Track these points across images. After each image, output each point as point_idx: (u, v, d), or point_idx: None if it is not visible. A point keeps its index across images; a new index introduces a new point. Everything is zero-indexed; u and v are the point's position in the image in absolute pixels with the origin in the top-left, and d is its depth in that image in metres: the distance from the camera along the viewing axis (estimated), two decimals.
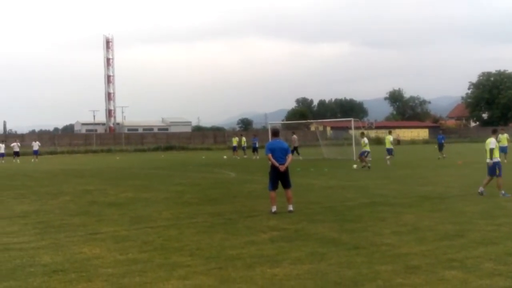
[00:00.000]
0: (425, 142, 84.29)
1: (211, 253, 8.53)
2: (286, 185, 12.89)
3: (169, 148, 74.01)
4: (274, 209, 12.54)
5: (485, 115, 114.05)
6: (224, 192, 17.51)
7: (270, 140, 14.23)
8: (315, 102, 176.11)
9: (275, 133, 13.81)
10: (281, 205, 12.79)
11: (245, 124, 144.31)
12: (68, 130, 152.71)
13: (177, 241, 9.52)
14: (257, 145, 44.06)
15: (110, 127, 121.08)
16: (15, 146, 47.89)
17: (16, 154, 47.32)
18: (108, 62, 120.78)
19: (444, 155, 35.69)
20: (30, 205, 15.03)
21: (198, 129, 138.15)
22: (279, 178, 12.84)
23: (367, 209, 12.96)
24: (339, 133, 79.66)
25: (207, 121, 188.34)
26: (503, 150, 29.46)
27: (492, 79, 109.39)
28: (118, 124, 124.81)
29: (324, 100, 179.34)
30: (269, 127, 47.95)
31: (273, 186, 12.81)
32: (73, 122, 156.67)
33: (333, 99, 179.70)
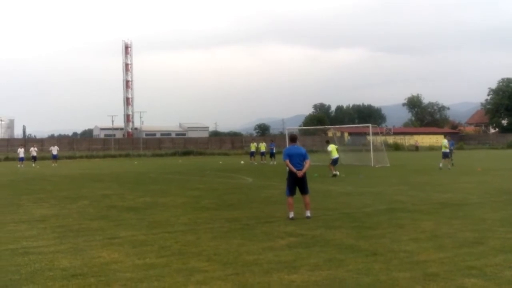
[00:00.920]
0: None
1: (228, 258, 8.53)
2: (304, 191, 12.86)
3: (186, 153, 74.36)
4: (291, 215, 12.52)
5: (504, 122, 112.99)
6: (241, 198, 17.52)
7: (287, 145, 14.19)
8: (333, 108, 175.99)
9: (293, 138, 13.76)
10: (298, 211, 12.77)
11: (262, 130, 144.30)
12: (87, 134, 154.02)
13: (195, 246, 9.54)
14: (274, 151, 44.07)
15: (128, 132, 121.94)
16: (33, 151, 48.42)
17: (34, 158, 47.82)
18: (127, 67, 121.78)
19: (451, 163, 35.03)
20: (49, 209, 15.17)
21: (215, 134, 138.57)
22: (297, 184, 12.81)
23: (385, 216, 12.89)
24: (356, 139, 79.27)
25: (224, 126, 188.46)
26: None
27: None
28: (136, 129, 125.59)
29: (342, 106, 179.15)
30: (286, 132, 47.92)
31: (291, 192, 12.79)
32: (91, 127, 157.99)
33: (350, 105, 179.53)
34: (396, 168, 34.15)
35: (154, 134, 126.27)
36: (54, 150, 49.73)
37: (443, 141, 34.61)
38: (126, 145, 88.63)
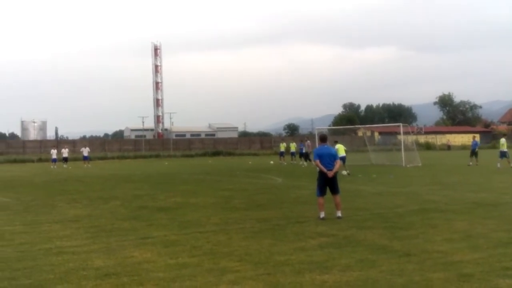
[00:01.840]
0: None
1: (259, 258, 8.54)
2: (335, 191, 12.79)
3: (216, 153, 74.65)
4: (322, 215, 12.47)
5: None
6: (272, 198, 17.51)
7: (317, 146, 14.15)
8: (362, 107, 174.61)
9: (323, 139, 13.70)
10: (329, 211, 12.72)
11: (291, 130, 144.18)
12: (118, 136, 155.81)
13: (226, 246, 9.57)
14: (304, 151, 43.90)
15: (158, 133, 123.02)
16: (64, 152, 49.13)
17: (65, 159, 48.52)
18: (156, 69, 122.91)
19: (476, 163, 34.66)
20: (82, 210, 15.38)
21: (244, 135, 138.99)
22: (327, 184, 12.75)
23: (418, 216, 12.74)
24: (387, 138, 78.72)
25: (254, 127, 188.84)
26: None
27: None
28: (166, 130, 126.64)
29: (372, 105, 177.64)
30: (315, 132, 47.75)
31: (321, 192, 12.74)
32: (122, 128, 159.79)
33: (380, 104, 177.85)
34: (428, 167, 33.73)
35: (184, 135, 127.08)
36: (85, 151, 50.35)
37: (501, 140, 33.99)
38: (157, 146, 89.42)
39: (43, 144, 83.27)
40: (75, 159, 54.81)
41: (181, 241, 10.19)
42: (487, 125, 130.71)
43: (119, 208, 15.72)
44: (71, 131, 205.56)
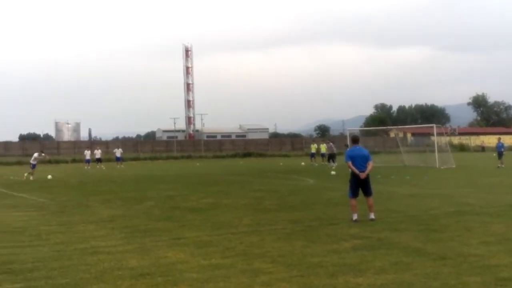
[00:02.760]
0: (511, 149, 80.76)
1: (292, 260, 8.52)
2: (367, 192, 12.69)
3: (247, 154, 74.83)
4: (355, 217, 12.38)
5: None
6: (303, 199, 17.46)
7: (349, 147, 14.05)
8: (394, 108, 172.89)
9: (355, 140, 13.61)
10: (361, 213, 12.62)
11: (322, 131, 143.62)
12: (150, 137, 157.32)
13: (259, 248, 9.57)
14: (335, 152, 43.65)
15: (189, 134, 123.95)
16: (97, 153, 49.79)
17: (99, 160, 49.16)
18: (188, 70, 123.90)
19: (502, 165, 34.10)
20: (116, 210, 15.57)
21: (275, 136, 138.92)
22: (360, 185, 12.66)
23: (453, 219, 12.55)
24: (420, 139, 77.69)
25: (284, 128, 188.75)
26: None
27: None
28: (197, 131, 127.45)
29: (404, 106, 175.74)
30: (347, 133, 47.44)
31: (354, 194, 12.65)
32: (154, 129, 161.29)
33: (413, 105, 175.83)
34: (462, 169, 33.23)
35: (215, 136, 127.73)
36: (118, 152, 50.96)
37: None
38: (188, 147, 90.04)
39: (77, 145, 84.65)
40: (108, 160, 55.48)
41: (214, 242, 10.24)
42: None
43: (152, 208, 15.87)
44: (104, 132, 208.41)
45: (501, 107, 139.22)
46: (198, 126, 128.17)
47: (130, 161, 61.52)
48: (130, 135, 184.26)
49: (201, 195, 19.47)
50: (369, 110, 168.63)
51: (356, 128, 73.08)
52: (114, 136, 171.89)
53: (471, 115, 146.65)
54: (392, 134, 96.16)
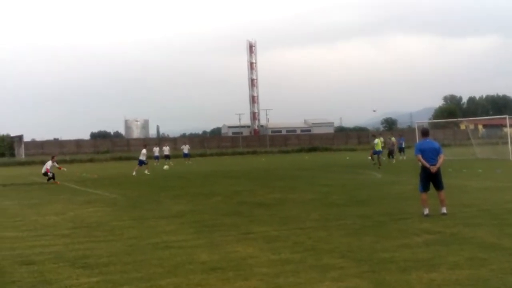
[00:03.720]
0: None
1: (362, 255, 8.41)
2: (438, 186, 12.38)
3: (312, 149, 74.50)
4: (426, 211, 12.10)
5: None
6: (371, 194, 17.22)
7: (418, 140, 13.73)
8: (464, 99, 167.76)
9: (425, 132, 13.26)
10: (432, 207, 12.31)
11: (389, 124, 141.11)
12: (216, 133, 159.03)
13: (327, 243, 9.51)
14: (403, 145, 42.80)
15: (254, 130, 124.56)
16: (165, 149, 50.78)
17: (167, 157, 50.11)
18: (252, 66, 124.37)
19: None
20: (186, 205, 15.84)
21: (340, 130, 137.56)
22: (431, 179, 12.36)
23: None
24: (492, 131, 75.22)
25: (350, 121, 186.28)
26: None
27: None
28: (262, 126, 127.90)
29: (474, 97, 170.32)
30: (415, 126, 46.42)
31: (424, 188, 12.36)
32: (220, 125, 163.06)
33: (484, 96, 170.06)
34: None
35: (280, 131, 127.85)
36: (185, 149, 51.80)
37: None
38: (253, 143, 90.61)
39: (146, 142, 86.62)
40: (176, 156, 56.51)
41: (282, 237, 10.25)
42: None
43: (220, 203, 16.07)
44: (171, 129, 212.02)
45: None
46: (263, 121, 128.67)
47: (197, 157, 62.45)
48: (197, 132, 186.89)
49: (268, 190, 19.54)
50: (438, 102, 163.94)
51: (424, 120, 71.47)
52: (181, 132, 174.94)
53: None
54: (462, 126, 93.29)
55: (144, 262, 8.49)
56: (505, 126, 41.52)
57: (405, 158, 39.79)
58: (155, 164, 47.14)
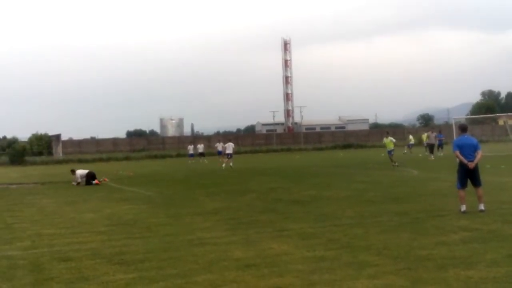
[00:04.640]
0: None
1: (399, 253, 8.32)
2: (476, 183, 12.17)
3: (346, 146, 74.11)
4: (463, 208, 11.90)
5: None
6: (408, 191, 17.01)
7: (456, 136, 13.52)
8: (503, 94, 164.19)
9: (463, 128, 13.03)
10: (470, 204, 12.10)
11: (426, 120, 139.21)
12: (249, 130, 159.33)
13: (363, 240, 9.44)
14: (442, 142, 42.08)
15: (288, 127, 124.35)
16: (200, 147, 51.18)
17: (202, 155, 50.48)
18: (286, 63, 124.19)
19: None
20: (221, 202, 15.91)
21: (375, 127, 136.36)
22: (468, 176, 12.15)
23: None
24: None
25: (385, 118, 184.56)
26: None
27: None
28: (296, 123, 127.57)
29: None
30: (453, 122, 45.64)
31: (462, 184, 12.16)
32: (254, 122, 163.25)
33: None
34: None
35: (314, 128, 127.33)
36: (219, 146, 52.07)
37: None
38: (287, 140, 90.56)
39: (181, 140, 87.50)
40: (210, 154, 56.84)
41: (318, 234, 10.21)
42: None
43: (255, 201, 16.09)
44: (206, 127, 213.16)
45: None
46: (297, 118, 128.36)
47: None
48: (230, 129, 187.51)
49: (303, 187, 19.49)
50: (475, 97, 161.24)
51: (462, 116, 70.26)
52: (215, 130, 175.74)
53: None
54: (501, 122, 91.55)
55: (179, 258, 8.56)
56: None
57: (442, 154, 39.17)
58: (189, 161, 47.56)
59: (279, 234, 10.30)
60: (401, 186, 18.76)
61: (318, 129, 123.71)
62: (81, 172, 25.53)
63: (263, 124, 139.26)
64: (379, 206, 13.63)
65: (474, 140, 12.50)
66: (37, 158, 63.63)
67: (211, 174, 30.41)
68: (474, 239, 9.08)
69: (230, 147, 37.09)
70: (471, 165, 11.99)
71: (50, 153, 74.52)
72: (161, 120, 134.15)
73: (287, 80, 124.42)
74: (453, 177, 12.86)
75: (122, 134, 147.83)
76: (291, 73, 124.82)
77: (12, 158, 60.66)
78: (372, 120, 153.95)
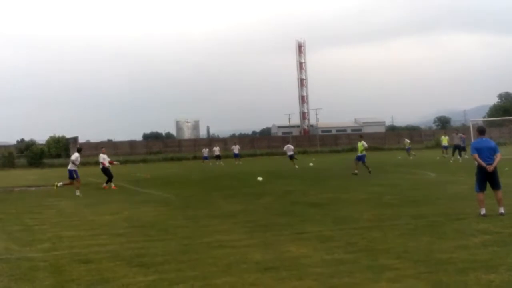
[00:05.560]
0: None
1: (419, 256, 8.28)
2: (495, 186, 12.07)
3: None
4: (483, 211, 11.81)
5: None
6: (426, 194, 16.91)
7: (474, 139, 13.40)
8: None
9: (482, 131, 12.92)
10: (490, 207, 12.01)
11: (442, 122, 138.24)
12: (265, 133, 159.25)
13: (382, 243, 9.40)
14: (464, 144, 41.53)
15: (304, 129, 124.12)
16: (216, 150, 51.37)
17: (218, 157, 50.62)
18: (301, 66, 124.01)
19: None
20: (238, 205, 15.94)
21: (392, 129, 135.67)
22: (487, 179, 12.06)
23: None
24: None
25: (401, 120, 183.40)
26: None
27: None
28: (312, 126, 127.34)
29: None
30: (470, 124, 45.23)
31: (481, 188, 12.07)
32: (269, 125, 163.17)
33: None
34: None
35: (330, 131, 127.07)
36: (236, 149, 52.20)
37: None
38: (303, 142, 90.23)
39: (197, 143, 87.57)
40: (226, 157, 56.97)
41: (336, 237, 10.19)
42: None
43: (272, 203, 16.10)
44: (221, 129, 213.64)
45: None
46: (312, 121, 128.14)
47: (247, 157, 62.74)
48: (246, 132, 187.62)
49: (320, 190, 19.46)
50: (493, 100, 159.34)
51: (479, 118, 69.70)
52: (231, 133, 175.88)
53: None
54: None
55: (198, 261, 8.59)
56: None
57: (465, 157, 38.79)
58: (202, 164, 47.69)
59: (297, 237, 10.30)
60: (418, 189, 18.65)
61: (334, 132, 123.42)
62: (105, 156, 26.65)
63: (279, 127, 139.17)
64: (397, 209, 13.57)
65: (492, 143, 12.40)
66: (55, 161, 64.26)
67: (227, 176, 30.45)
68: (495, 243, 9.02)
69: (289, 149, 38.57)
70: (490, 168, 11.90)
71: (68, 155, 75.02)
72: (177, 122, 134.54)
73: (302, 83, 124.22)
74: (472, 180, 12.78)
75: (138, 137, 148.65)
76: (306, 75, 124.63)
77: (30, 160, 61.30)
78: (388, 122, 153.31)
